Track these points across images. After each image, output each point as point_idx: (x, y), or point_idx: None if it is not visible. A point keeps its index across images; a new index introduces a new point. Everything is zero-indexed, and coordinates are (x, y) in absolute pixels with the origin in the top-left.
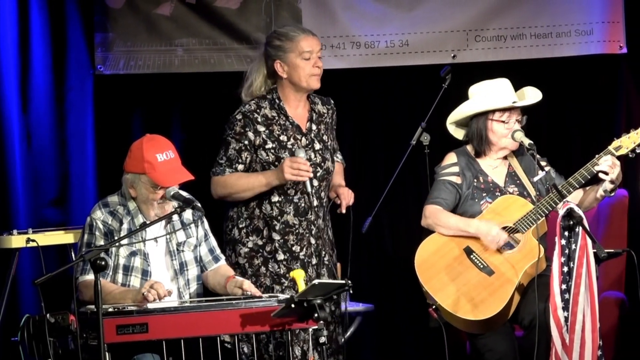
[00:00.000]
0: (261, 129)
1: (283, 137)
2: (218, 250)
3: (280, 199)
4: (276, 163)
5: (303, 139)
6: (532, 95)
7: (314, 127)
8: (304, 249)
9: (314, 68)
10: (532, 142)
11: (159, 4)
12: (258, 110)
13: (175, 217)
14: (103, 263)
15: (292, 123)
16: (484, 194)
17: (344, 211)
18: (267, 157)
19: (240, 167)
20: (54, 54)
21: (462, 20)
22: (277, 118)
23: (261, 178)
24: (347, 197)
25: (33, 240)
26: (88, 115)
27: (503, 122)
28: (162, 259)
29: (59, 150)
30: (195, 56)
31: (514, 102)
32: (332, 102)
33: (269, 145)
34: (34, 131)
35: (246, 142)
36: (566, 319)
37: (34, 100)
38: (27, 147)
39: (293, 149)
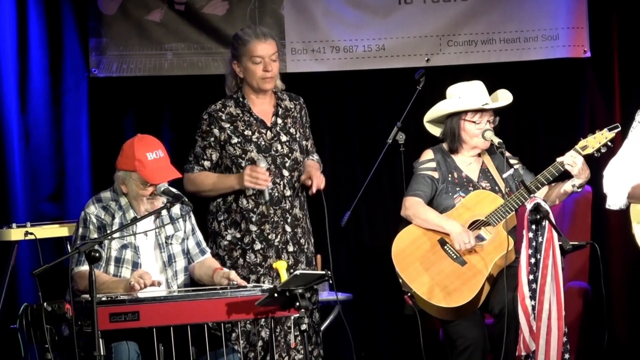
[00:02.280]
0: (226, 125)
1: (248, 132)
2: (204, 244)
3: (254, 191)
4: (243, 156)
5: (268, 132)
6: (503, 97)
7: (279, 120)
8: (279, 236)
9: (264, 72)
10: (501, 140)
11: (150, 11)
12: (223, 109)
13: (164, 211)
14: (97, 255)
15: (257, 118)
16: (458, 189)
17: (313, 191)
18: (235, 151)
19: (207, 163)
20: (51, 57)
21: (435, 26)
22: (241, 115)
23: (225, 181)
24: (318, 179)
25: (31, 233)
26: (83, 115)
27: (474, 122)
28: (151, 252)
29: (55, 148)
30: (184, 60)
31: (485, 105)
32: (302, 99)
33: (234, 140)
34: (32, 130)
35: (212, 140)
36: (533, 307)
37: (32, 102)
38: (25, 145)
39: (260, 143)
